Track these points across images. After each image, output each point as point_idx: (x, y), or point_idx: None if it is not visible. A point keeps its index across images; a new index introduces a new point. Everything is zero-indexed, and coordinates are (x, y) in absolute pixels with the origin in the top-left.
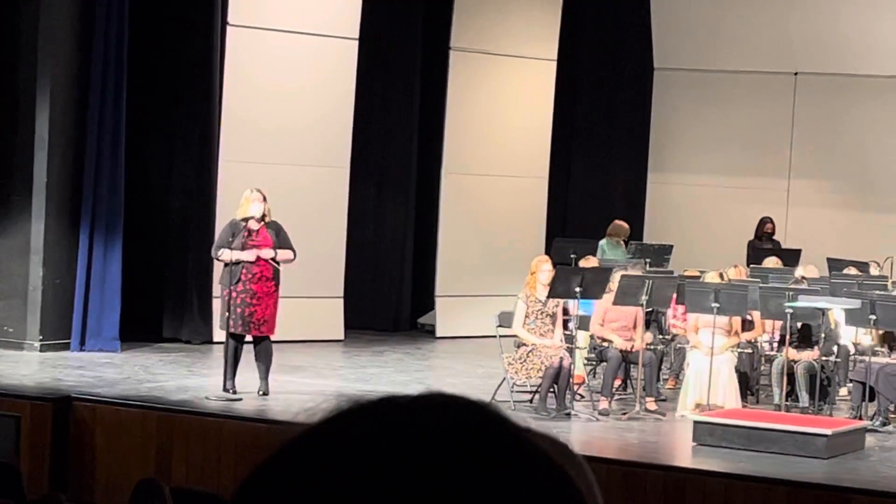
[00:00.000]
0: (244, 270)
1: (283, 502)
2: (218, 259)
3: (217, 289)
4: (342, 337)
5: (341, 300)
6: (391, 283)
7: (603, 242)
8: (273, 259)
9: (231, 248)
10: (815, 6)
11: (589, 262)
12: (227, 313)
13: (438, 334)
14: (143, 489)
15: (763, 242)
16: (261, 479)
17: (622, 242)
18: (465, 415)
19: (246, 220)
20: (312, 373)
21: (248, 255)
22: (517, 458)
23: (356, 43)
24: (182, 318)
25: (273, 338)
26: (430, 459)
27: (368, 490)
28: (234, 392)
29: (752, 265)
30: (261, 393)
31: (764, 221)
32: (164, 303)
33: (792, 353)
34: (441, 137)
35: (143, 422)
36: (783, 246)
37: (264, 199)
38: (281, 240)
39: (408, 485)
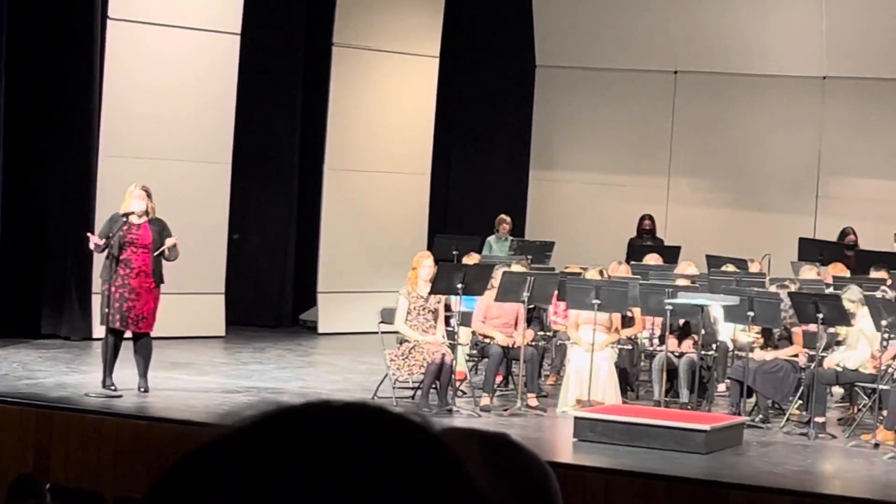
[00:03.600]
0: (122, 266)
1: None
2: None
3: (98, 283)
4: (223, 333)
5: (222, 296)
6: (273, 279)
7: (491, 238)
8: (160, 254)
9: (111, 244)
10: (694, 6)
11: (472, 259)
12: (106, 309)
13: (320, 330)
14: (20, 486)
15: (643, 240)
16: (174, 479)
17: (509, 236)
18: (386, 423)
19: (127, 214)
20: (193, 369)
21: (92, 243)
22: (429, 466)
23: (238, 38)
24: (61, 314)
25: (154, 334)
26: (342, 465)
27: (279, 494)
28: (114, 389)
29: (632, 262)
30: (141, 390)
31: (642, 219)
32: (42, 299)
33: (672, 343)
34: (323, 133)
35: (20, 419)
36: (664, 243)
37: (149, 196)
38: (163, 238)
39: (321, 489)
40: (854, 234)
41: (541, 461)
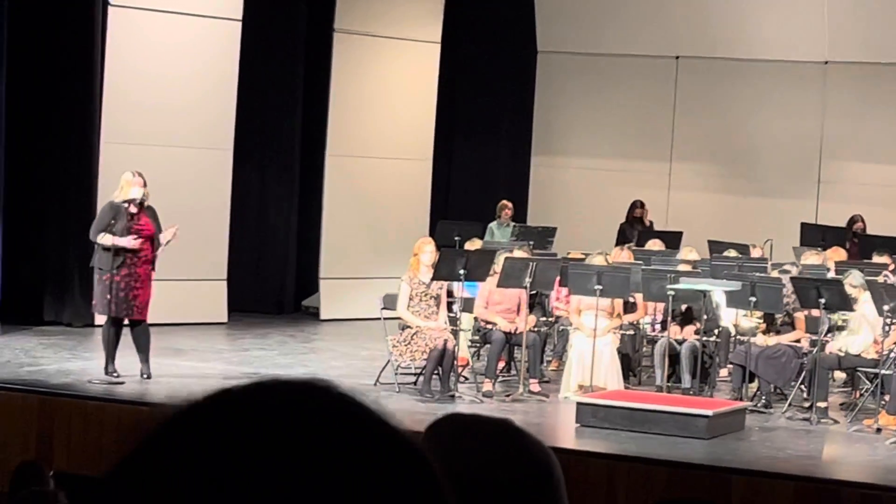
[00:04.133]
0: (129, 254)
1: (152, 482)
2: (97, 242)
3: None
4: (226, 319)
5: (225, 283)
6: (275, 266)
7: (493, 224)
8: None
9: (113, 232)
10: None
11: (474, 245)
12: (108, 296)
13: (322, 317)
14: (24, 473)
15: (633, 226)
16: (133, 461)
17: (511, 222)
18: (326, 399)
19: (126, 202)
20: (196, 356)
21: (128, 242)
22: (371, 443)
23: (239, 24)
24: (63, 300)
25: (156, 320)
26: (278, 440)
27: (227, 475)
28: (117, 375)
29: (634, 248)
30: (144, 376)
31: (634, 205)
32: (45, 286)
33: (675, 328)
34: (325, 119)
35: (23, 406)
36: (666, 229)
37: (144, 183)
38: (157, 225)
39: (261, 466)
40: (862, 221)
41: (544, 447)
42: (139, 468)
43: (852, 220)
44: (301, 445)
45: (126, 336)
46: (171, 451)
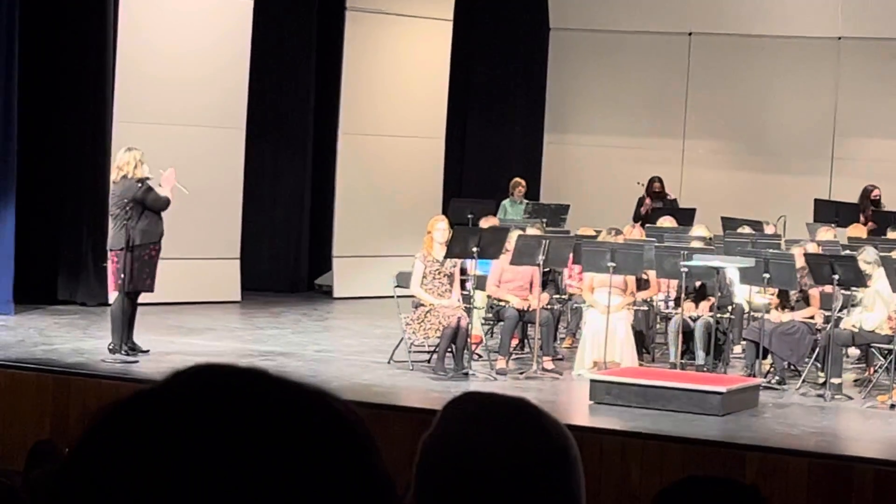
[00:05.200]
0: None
1: (115, 455)
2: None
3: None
4: (239, 298)
5: (238, 261)
6: (288, 244)
7: (506, 202)
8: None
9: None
10: None
11: (487, 223)
12: (145, 272)
13: (336, 295)
14: (39, 451)
15: (653, 201)
16: (95, 434)
17: (524, 200)
18: (229, 383)
19: (142, 180)
20: (209, 334)
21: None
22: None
23: (251, 2)
24: (77, 280)
25: (170, 299)
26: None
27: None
28: (137, 352)
29: (646, 224)
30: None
31: (652, 181)
32: (58, 265)
33: (688, 305)
34: (337, 98)
35: (38, 385)
36: (679, 205)
37: None
38: None
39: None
40: (878, 189)
41: (560, 425)
42: (93, 446)
43: (868, 190)
44: (224, 427)
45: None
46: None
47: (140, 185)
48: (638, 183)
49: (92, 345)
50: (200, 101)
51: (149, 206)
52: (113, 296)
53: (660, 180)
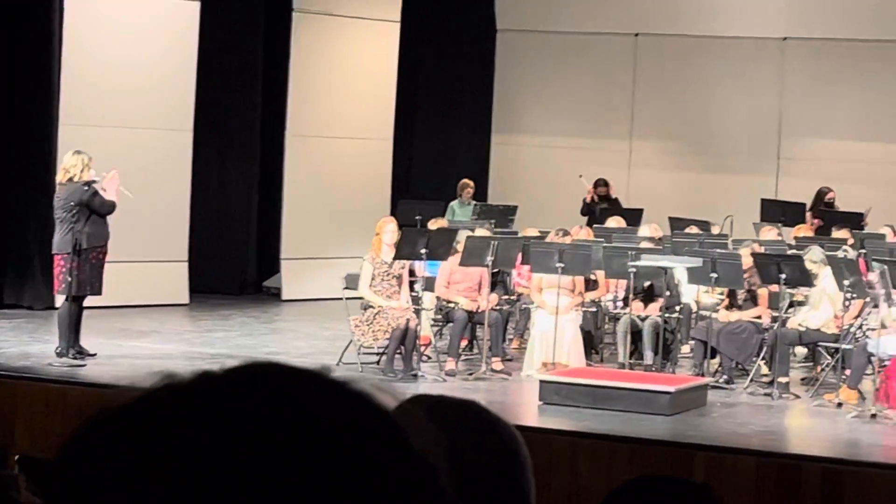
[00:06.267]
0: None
1: (99, 465)
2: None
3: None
4: (187, 301)
5: (185, 264)
6: (236, 247)
7: (454, 203)
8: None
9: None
10: None
11: (436, 224)
12: (96, 273)
13: (284, 297)
14: None
15: (599, 203)
16: (80, 443)
17: (473, 201)
18: (281, 382)
19: (88, 183)
20: (157, 337)
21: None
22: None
23: (198, 4)
24: (24, 283)
25: (118, 302)
26: (243, 430)
27: (179, 460)
28: (84, 356)
29: (594, 224)
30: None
31: (598, 183)
32: (5, 269)
33: (637, 305)
34: (285, 100)
35: None
36: (627, 206)
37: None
38: None
39: (224, 453)
40: (833, 192)
41: (510, 427)
42: (96, 454)
43: (823, 192)
44: (283, 435)
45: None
46: (169, 434)
47: (86, 188)
48: (580, 176)
49: (39, 348)
50: (148, 104)
51: (95, 209)
52: (60, 299)
53: (605, 182)
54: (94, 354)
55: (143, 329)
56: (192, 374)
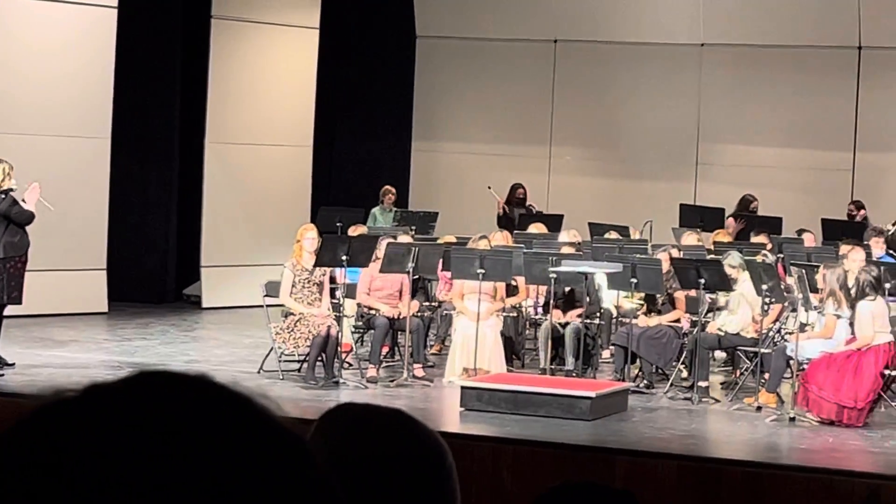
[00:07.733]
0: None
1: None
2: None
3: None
4: (106, 309)
5: (104, 272)
6: (156, 255)
7: (376, 210)
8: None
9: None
10: None
11: (357, 231)
12: (12, 284)
13: (204, 305)
14: None
15: (517, 208)
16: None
17: (394, 207)
18: (166, 392)
19: (6, 192)
20: (76, 346)
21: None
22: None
23: (115, 11)
24: None
25: (35, 311)
26: (138, 440)
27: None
28: (2, 365)
29: (514, 231)
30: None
31: (515, 188)
32: None
33: (557, 311)
34: (203, 107)
35: None
36: (546, 212)
37: None
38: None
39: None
40: (757, 201)
41: (436, 435)
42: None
43: (748, 200)
44: (176, 439)
45: None
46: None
47: (3, 196)
48: (489, 187)
49: None
50: (64, 112)
51: (13, 218)
52: None
53: (522, 187)
54: (13, 364)
55: (61, 338)
56: (82, 387)
